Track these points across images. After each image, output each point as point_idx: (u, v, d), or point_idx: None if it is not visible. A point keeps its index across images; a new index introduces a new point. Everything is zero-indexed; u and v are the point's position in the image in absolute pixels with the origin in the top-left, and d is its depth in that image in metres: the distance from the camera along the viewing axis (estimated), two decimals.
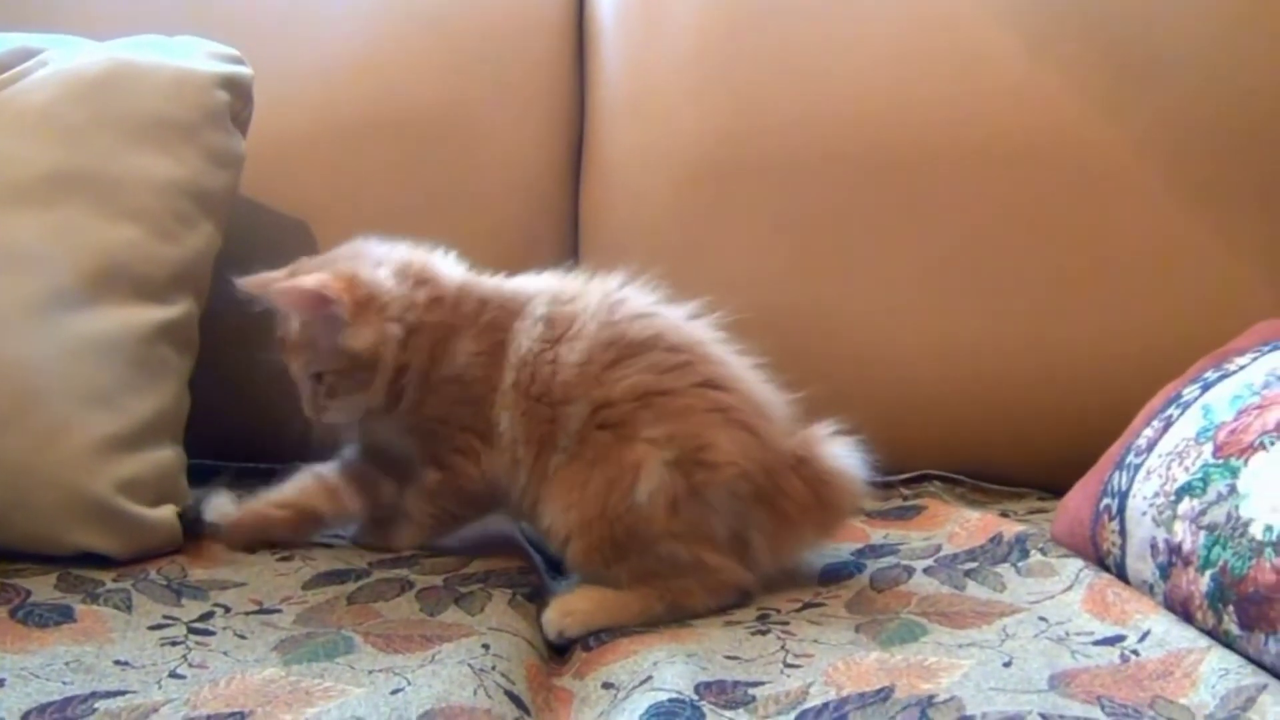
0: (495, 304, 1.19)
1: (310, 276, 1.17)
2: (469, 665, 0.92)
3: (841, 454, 1.14)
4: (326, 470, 1.25)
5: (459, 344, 1.18)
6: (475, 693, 0.88)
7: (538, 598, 1.13)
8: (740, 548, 1.11)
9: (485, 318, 1.19)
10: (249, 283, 1.18)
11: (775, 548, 1.12)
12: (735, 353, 1.17)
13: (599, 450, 1.10)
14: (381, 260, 1.21)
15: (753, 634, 1.03)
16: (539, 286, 1.21)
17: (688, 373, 1.12)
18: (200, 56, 1.37)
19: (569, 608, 1.08)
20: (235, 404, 1.45)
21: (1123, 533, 1.10)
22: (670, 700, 0.88)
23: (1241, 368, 1.11)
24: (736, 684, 0.92)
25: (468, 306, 1.19)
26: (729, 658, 0.98)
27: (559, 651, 1.06)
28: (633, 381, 1.11)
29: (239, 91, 1.38)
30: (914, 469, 1.46)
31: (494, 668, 0.93)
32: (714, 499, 1.09)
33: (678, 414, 1.10)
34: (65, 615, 1.04)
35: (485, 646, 0.97)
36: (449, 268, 1.24)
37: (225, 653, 0.98)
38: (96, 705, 0.87)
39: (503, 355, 1.16)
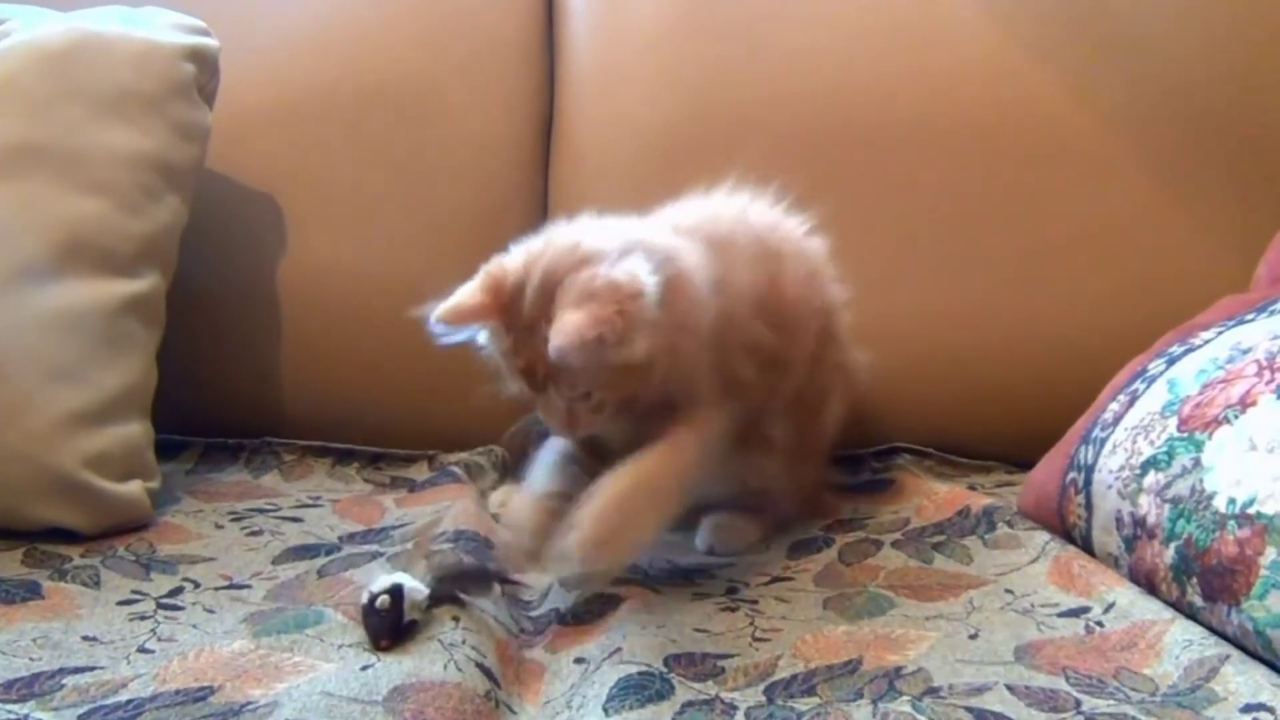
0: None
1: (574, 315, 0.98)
2: (439, 640, 0.92)
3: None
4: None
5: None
6: (445, 667, 0.88)
7: (500, 577, 1.12)
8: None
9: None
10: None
11: None
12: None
13: (814, 375, 1.21)
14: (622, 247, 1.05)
15: (721, 609, 1.03)
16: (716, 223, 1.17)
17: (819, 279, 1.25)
18: (166, 28, 1.36)
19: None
20: (202, 378, 1.44)
21: (1088, 506, 1.11)
22: (640, 673, 0.88)
23: (1206, 342, 1.12)
24: (706, 656, 0.93)
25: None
26: (698, 630, 0.98)
27: (534, 626, 1.06)
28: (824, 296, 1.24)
29: (205, 64, 1.37)
30: (883, 442, 1.46)
31: (464, 641, 0.93)
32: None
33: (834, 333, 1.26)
34: (33, 591, 1.03)
35: (455, 620, 0.97)
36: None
37: (194, 625, 0.98)
38: (64, 681, 0.87)
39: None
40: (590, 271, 1.00)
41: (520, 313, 1.02)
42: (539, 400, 1.06)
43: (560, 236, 1.06)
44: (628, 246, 1.03)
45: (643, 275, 1.00)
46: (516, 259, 1.05)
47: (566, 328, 0.96)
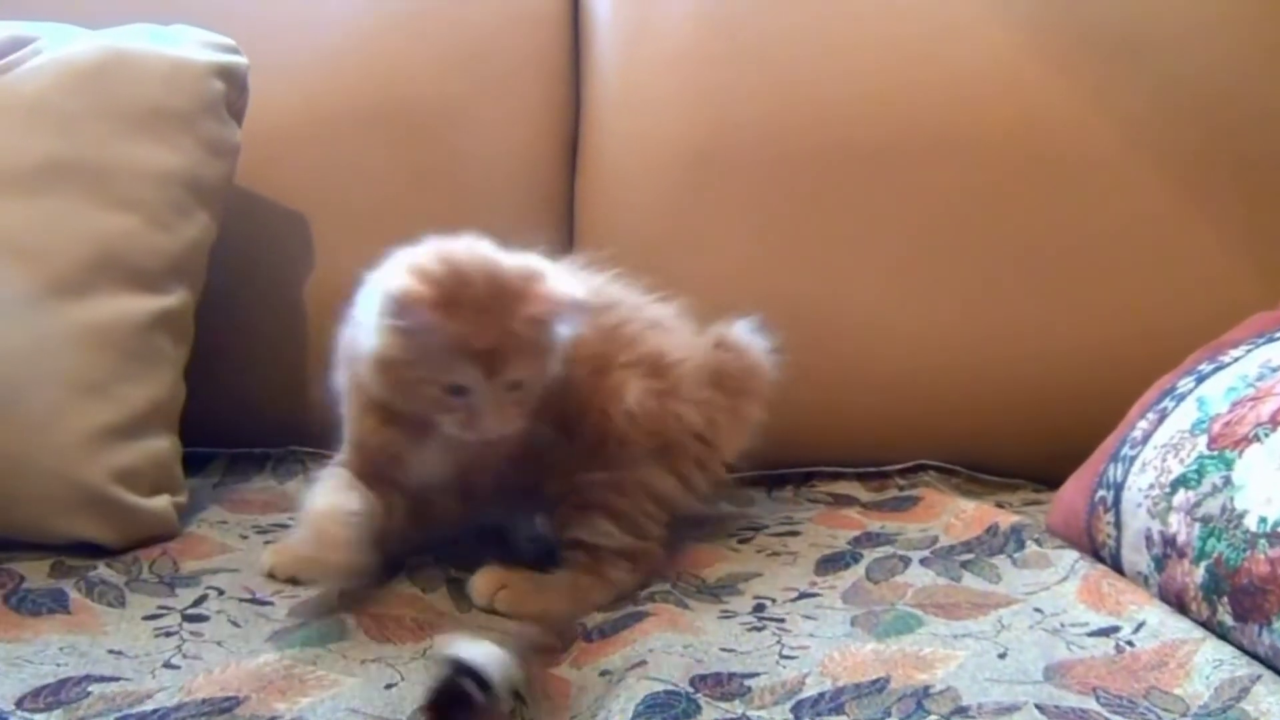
0: None
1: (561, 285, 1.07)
2: None
3: (744, 331, 1.24)
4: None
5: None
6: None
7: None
8: (707, 442, 1.19)
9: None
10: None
11: (735, 428, 1.21)
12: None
13: (585, 393, 1.14)
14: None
15: (748, 629, 1.03)
16: None
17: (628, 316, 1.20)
18: (195, 46, 1.37)
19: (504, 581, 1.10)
20: (229, 392, 1.45)
21: (1118, 524, 1.10)
22: (666, 692, 0.88)
23: (1236, 359, 1.11)
24: (732, 676, 0.92)
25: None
26: (725, 650, 0.98)
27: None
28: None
29: (235, 81, 1.38)
30: (909, 459, 1.46)
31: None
32: (684, 390, 1.16)
33: (632, 341, 1.17)
34: (59, 603, 1.04)
35: None
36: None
37: (219, 643, 0.98)
38: (90, 689, 0.88)
39: None
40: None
41: (464, 302, 1.03)
42: (474, 399, 1.03)
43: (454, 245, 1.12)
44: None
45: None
46: (426, 258, 1.09)
47: (562, 287, 1.06)
